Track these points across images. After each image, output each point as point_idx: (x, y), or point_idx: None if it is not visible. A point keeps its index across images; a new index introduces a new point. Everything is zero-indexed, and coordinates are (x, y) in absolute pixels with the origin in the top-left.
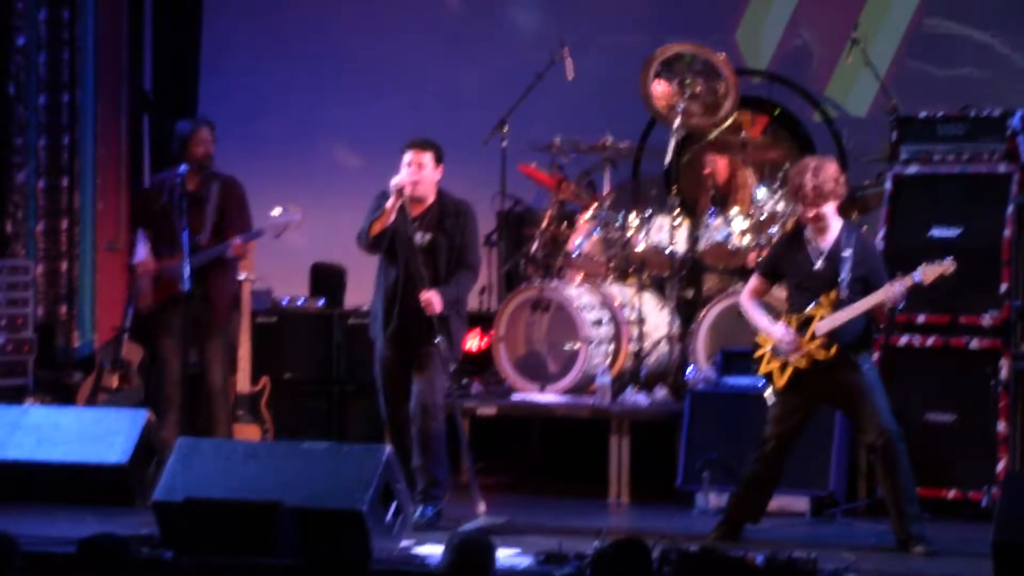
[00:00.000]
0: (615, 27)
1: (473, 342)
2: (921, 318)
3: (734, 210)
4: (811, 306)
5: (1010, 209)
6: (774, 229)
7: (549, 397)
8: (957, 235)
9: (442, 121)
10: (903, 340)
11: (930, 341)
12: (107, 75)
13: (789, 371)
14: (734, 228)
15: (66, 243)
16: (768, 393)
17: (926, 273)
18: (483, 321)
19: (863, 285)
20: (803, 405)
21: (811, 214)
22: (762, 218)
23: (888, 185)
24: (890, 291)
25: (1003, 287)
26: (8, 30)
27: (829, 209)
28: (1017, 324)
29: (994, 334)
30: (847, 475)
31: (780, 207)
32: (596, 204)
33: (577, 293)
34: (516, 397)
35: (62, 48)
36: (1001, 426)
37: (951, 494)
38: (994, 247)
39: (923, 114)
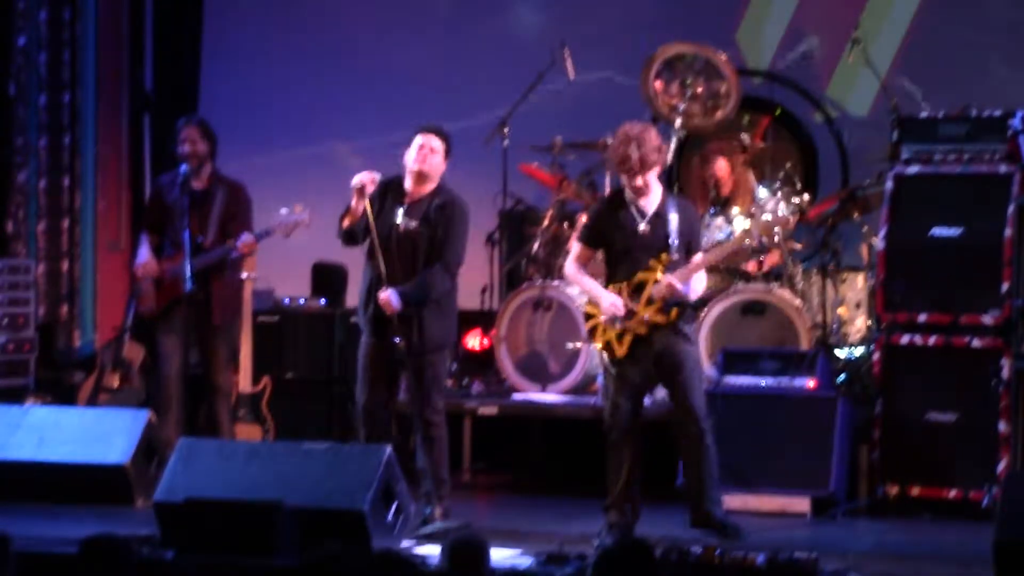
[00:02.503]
0: (615, 27)
1: (474, 342)
2: (923, 317)
3: (735, 210)
4: (642, 271)
5: (1011, 209)
6: (776, 229)
7: (550, 397)
8: (958, 235)
9: (443, 121)
10: (904, 339)
11: (932, 340)
12: (108, 75)
13: (628, 338)
14: (735, 228)
15: (67, 243)
16: (605, 363)
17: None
18: (484, 321)
19: (687, 249)
20: (642, 373)
21: (638, 183)
22: (763, 218)
23: (889, 185)
24: (717, 250)
25: (1004, 287)
26: (9, 30)
27: (652, 177)
28: (1018, 323)
29: (995, 333)
30: (847, 475)
31: (781, 207)
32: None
33: (578, 293)
34: (517, 397)
35: (63, 48)
36: (1002, 426)
37: (952, 494)
38: (995, 247)
39: (924, 114)
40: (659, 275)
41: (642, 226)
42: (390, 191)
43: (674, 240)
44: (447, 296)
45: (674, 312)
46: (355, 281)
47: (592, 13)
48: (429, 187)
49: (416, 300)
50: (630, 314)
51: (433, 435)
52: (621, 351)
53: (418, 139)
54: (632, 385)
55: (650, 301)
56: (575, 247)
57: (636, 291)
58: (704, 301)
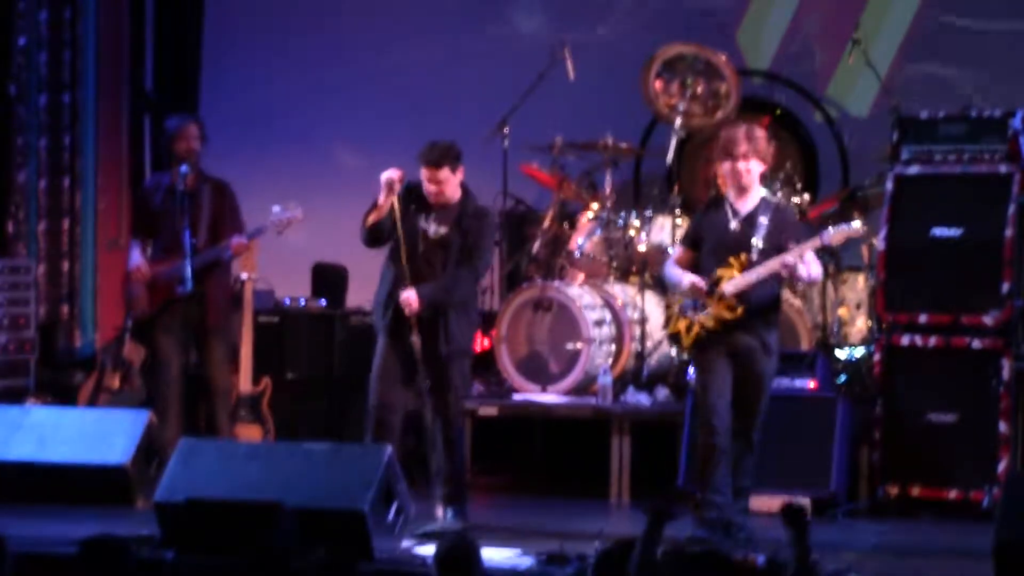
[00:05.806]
0: (615, 27)
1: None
2: (923, 318)
3: None
4: (721, 268)
5: (1011, 209)
6: None
7: (551, 397)
8: (958, 235)
9: (443, 121)
10: (905, 340)
11: (932, 341)
12: (108, 75)
13: (695, 330)
14: None
15: (67, 243)
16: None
17: (834, 235)
18: (485, 321)
19: (778, 253)
20: (716, 363)
21: (740, 168)
22: None
23: (889, 185)
24: (795, 252)
25: (1005, 287)
26: (9, 30)
27: (755, 176)
28: (1019, 324)
29: (996, 334)
30: (848, 476)
31: None
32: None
33: (579, 293)
34: (517, 397)
35: (63, 48)
36: (1003, 426)
37: (952, 494)
38: (996, 247)
39: (924, 114)
40: (734, 273)
41: (733, 225)
42: (413, 197)
43: (758, 242)
44: (472, 300)
45: (740, 310)
46: (355, 282)
47: (592, 13)
48: (454, 201)
49: (437, 302)
50: (701, 297)
51: (452, 436)
52: (687, 341)
53: (424, 174)
54: (719, 383)
55: (721, 297)
56: (675, 249)
57: (713, 287)
58: (777, 304)
